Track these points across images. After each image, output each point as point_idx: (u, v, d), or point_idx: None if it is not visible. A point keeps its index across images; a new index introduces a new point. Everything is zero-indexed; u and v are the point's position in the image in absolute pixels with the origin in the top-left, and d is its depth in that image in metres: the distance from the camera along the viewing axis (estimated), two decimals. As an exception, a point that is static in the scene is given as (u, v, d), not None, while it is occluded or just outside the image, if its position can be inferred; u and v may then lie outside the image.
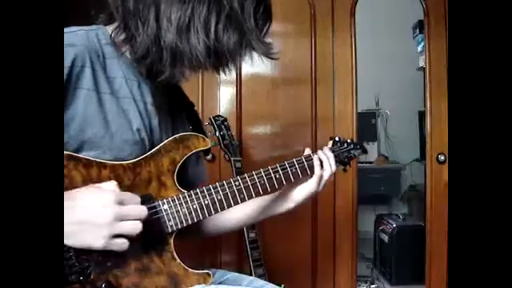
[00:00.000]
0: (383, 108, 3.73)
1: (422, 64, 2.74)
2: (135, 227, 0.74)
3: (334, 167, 1.01)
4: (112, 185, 0.75)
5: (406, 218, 2.95)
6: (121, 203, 0.73)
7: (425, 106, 2.15)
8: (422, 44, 2.58)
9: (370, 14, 2.83)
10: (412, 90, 3.25)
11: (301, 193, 0.99)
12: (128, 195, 0.76)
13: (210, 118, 1.67)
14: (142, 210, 0.76)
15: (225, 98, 2.12)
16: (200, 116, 1.03)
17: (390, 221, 2.89)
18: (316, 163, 0.99)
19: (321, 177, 0.99)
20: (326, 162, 1.00)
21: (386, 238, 2.84)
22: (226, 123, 1.68)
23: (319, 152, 1.01)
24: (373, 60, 3.15)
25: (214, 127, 1.65)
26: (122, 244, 0.73)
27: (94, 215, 0.70)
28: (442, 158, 2.08)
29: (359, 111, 2.21)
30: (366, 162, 3.39)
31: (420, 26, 2.78)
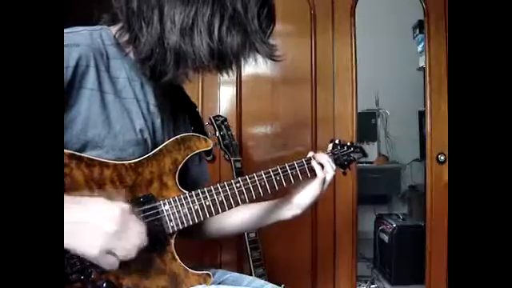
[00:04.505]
0: (383, 108, 3.73)
1: (422, 64, 2.74)
2: (131, 251, 0.71)
3: (334, 167, 1.02)
4: (125, 205, 0.73)
5: (405, 218, 2.95)
6: (126, 223, 0.70)
7: (425, 105, 2.15)
8: (422, 44, 2.59)
9: (370, 14, 2.82)
10: (412, 89, 3.25)
11: (305, 197, 0.99)
12: (134, 218, 0.73)
13: (210, 118, 1.66)
14: (143, 240, 0.72)
15: (225, 98, 2.12)
16: (200, 116, 1.03)
17: (390, 221, 2.89)
18: (317, 167, 0.99)
19: (323, 179, 0.99)
20: (327, 165, 1.00)
21: (386, 237, 2.85)
22: (226, 123, 1.67)
23: (317, 156, 1.00)
24: (373, 60, 3.15)
25: (214, 127, 1.64)
26: (113, 263, 0.69)
27: (96, 223, 0.68)
28: (442, 157, 2.08)
29: (359, 111, 2.20)
30: (366, 162, 3.39)
31: (420, 26, 2.79)
